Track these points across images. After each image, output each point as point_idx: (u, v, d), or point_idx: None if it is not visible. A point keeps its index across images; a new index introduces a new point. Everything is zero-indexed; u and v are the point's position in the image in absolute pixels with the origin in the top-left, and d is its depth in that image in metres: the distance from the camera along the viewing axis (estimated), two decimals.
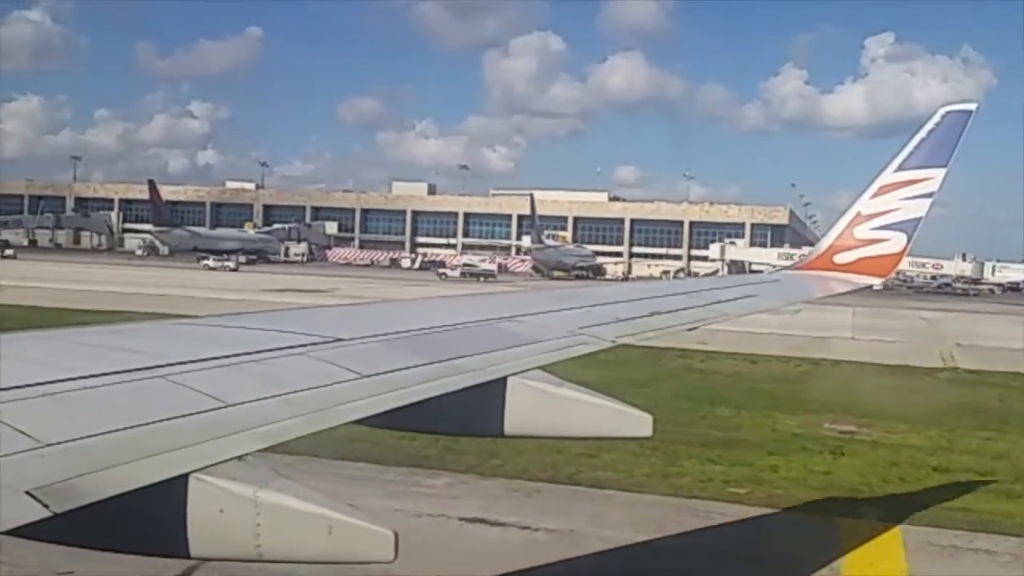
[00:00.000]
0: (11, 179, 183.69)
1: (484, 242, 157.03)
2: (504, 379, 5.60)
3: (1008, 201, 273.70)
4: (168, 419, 3.86)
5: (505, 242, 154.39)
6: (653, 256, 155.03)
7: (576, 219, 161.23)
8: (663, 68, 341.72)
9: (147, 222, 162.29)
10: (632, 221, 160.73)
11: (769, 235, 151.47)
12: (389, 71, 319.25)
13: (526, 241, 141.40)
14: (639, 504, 16.86)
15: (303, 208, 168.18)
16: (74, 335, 5.18)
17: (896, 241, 11.95)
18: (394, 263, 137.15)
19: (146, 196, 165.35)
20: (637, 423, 5.82)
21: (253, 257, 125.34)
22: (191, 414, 3.96)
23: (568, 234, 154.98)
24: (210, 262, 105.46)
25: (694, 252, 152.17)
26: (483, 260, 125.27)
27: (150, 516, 3.55)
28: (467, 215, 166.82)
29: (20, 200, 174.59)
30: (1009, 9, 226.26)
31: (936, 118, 11.77)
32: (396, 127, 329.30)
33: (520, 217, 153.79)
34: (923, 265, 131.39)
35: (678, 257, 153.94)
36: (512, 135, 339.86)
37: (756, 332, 38.44)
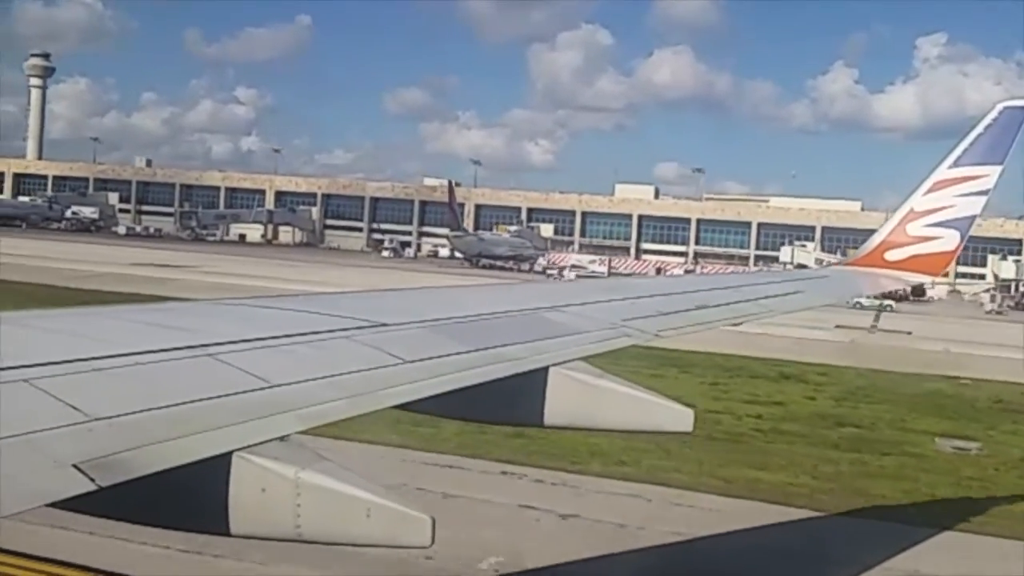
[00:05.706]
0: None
1: (718, 250, 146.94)
2: (546, 369, 5.59)
3: None
4: (213, 398, 3.92)
5: (740, 251, 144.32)
6: None
7: (824, 228, 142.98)
8: (711, 64, 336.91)
9: (342, 218, 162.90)
10: None
11: None
12: (435, 62, 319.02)
13: (785, 254, 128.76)
14: None
15: (518, 209, 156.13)
16: (125, 312, 5.26)
17: (949, 239, 11.70)
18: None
19: (342, 192, 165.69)
20: (678, 417, 5.78)
21: (528, 267, 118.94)
22: (236, 393, 4.01)
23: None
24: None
25: (963, 268, 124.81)
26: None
27: (193, 493, 3.60)
28: (699, 221, 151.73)
29: (215, 192, 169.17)
30: None
31: (993, 114, 11.45)
32: (440, 118, 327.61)
33: (760, 225, 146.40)
34: None
35: (944, 273, 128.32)
36: (555, 129, 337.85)
37: None
